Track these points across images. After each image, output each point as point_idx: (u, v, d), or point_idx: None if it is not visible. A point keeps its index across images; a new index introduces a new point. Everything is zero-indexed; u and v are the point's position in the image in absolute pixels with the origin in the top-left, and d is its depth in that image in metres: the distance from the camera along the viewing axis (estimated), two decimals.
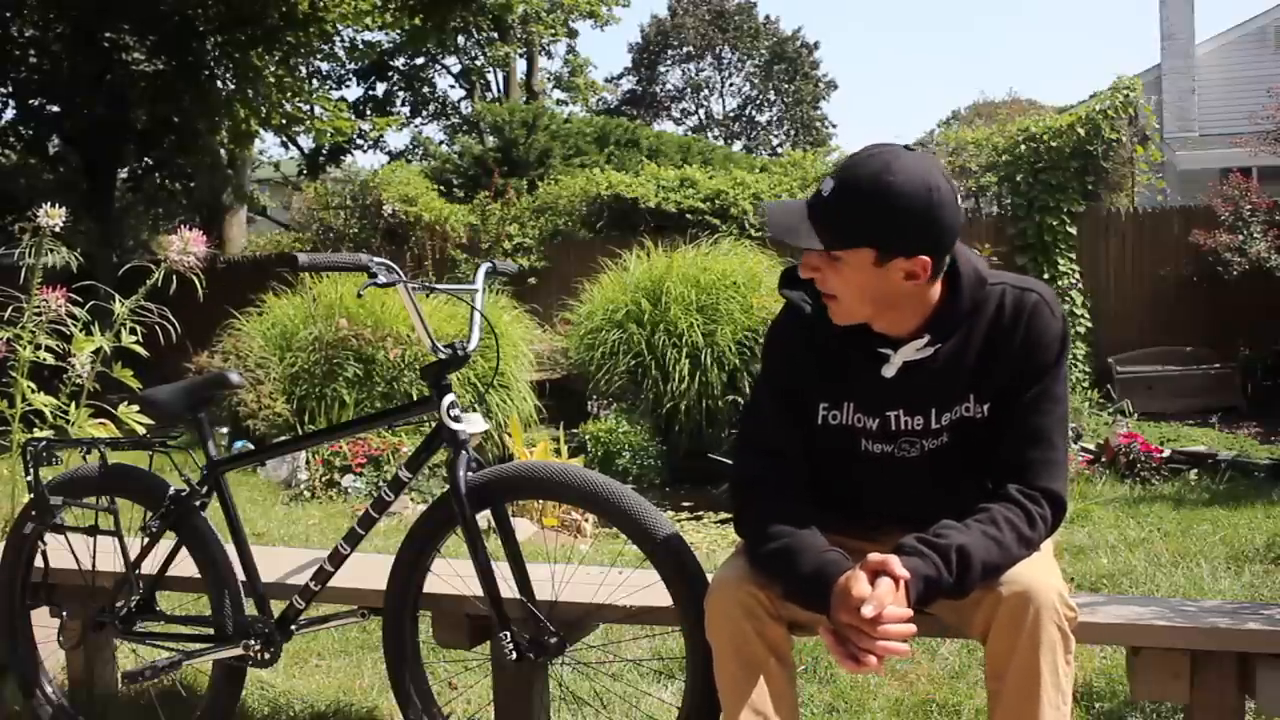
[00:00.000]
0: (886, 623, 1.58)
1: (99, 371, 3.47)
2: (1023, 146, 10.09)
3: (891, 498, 1.93)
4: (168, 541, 2.46)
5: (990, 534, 1.71)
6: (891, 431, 1.86)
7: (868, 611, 1.57)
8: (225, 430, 7.45)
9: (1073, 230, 9.99)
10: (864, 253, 1.70)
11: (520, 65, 25.14)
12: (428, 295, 7.44)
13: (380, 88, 25.16)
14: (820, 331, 1.85)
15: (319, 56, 17.13)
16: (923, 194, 1.67)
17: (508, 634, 2.10)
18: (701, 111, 37.46)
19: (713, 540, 5.69)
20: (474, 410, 2.17)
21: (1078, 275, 10.00)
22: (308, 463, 6.67)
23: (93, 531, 2.51)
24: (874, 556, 1.65)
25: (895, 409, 1.85)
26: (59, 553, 2.58)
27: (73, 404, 3.40)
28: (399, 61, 24.60)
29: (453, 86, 27.39)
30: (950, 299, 1.80)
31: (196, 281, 3.39)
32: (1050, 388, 1.82)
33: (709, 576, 2.03)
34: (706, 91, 37.21)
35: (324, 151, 20.92)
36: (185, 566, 2.44)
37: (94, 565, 2.54)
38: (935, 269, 1.74)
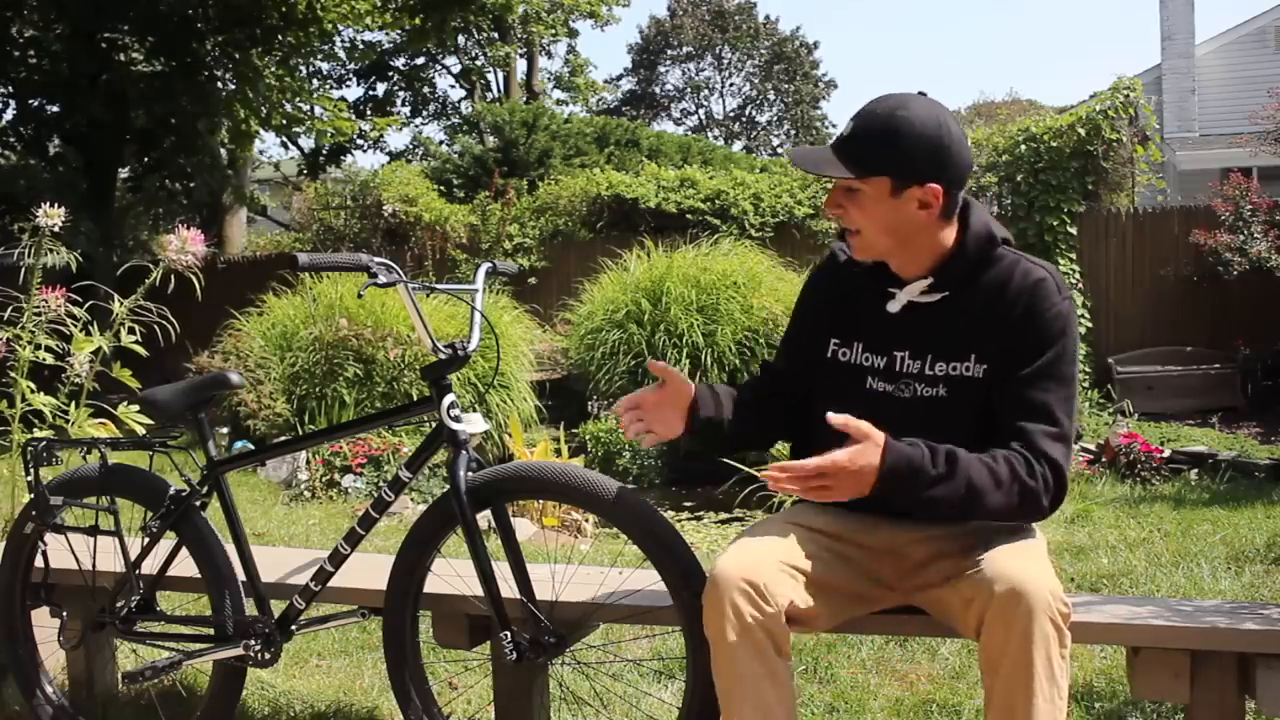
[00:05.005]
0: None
1: (99, 371, 3.46)
2: (1023, 147, 10.07)
3: None
4: (168, 541, 2.47)
5: (986, 461, 1.77)
6: (896, 372, 1.94)
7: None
8: (225, 430, 7.45)
9: (1073, 230, 9.98)
10: (882, 182, 1.84)
11: (520, 65, 25.14)
12: (428, 295, 7.44)
13: (380, 88, 25.17)
14: (846, 274, 2.02)
15: (319, 56, 17.12)
16: (932, 126, 1.82)
17: (508, 634, 2.09)
18: (701, 111, 37.47)
19: (713, 540, 5.69)
20: (474, 410, 2.17)
21: (1078, 275, 9.99)
22: (308, 463, 6.67)
23: (93, 531, 2.51)
24: (835, 418, 1.73)
25: (901, 349, 1.94)
26: (59, 553, 2.58)
27: (72, 404, 3.40)
28: (399, 61, 24.59)
29: (453, 86, 27.44)
30: (958, 249, 1.90)
31: (195, 281, 3.38)
32: (1054, 367, 1.83)
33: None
34: (706, 91, 37.21)
35: (324, 151, 20.94)
36: (185, 566, 2.44)
37: (94, 565, 2.54)
38: (948, 203, 1.86)
